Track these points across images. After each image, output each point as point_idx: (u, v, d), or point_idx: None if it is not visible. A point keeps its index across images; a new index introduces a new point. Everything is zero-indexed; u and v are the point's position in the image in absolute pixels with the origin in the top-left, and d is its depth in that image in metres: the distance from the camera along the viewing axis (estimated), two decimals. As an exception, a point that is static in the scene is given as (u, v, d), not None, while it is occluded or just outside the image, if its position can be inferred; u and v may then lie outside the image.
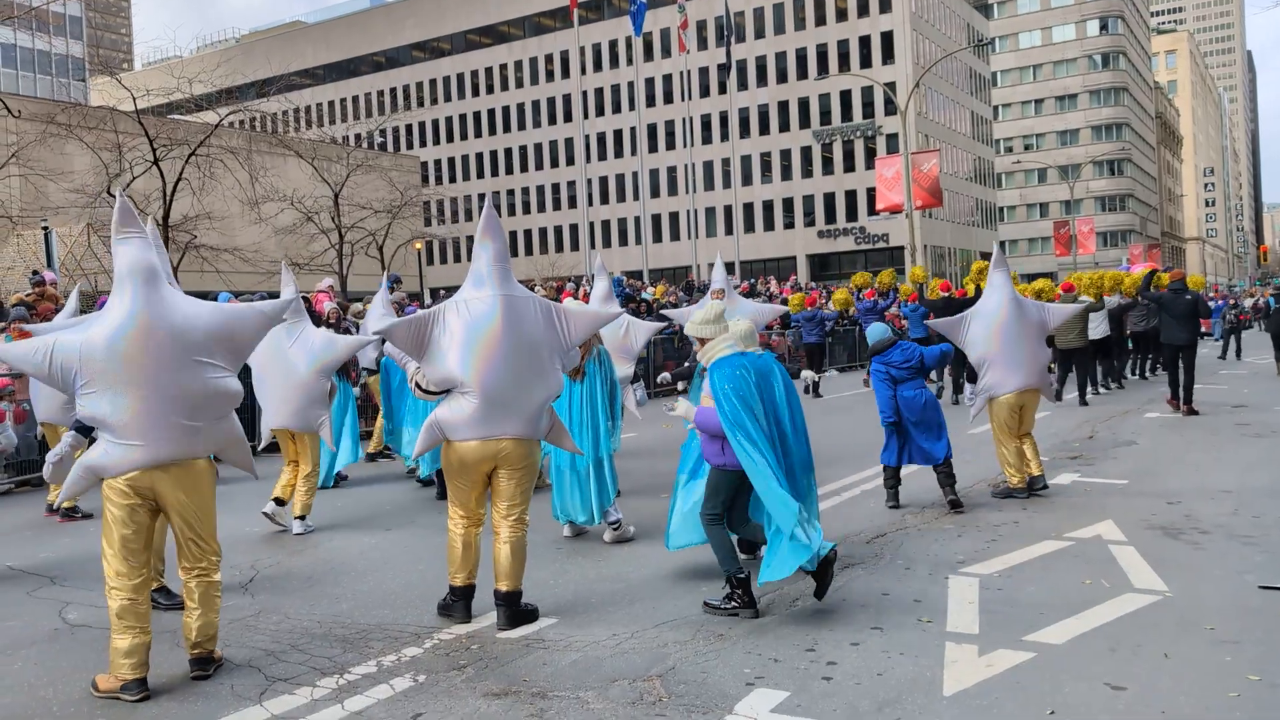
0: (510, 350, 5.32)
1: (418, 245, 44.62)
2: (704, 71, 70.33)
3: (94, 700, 4.53)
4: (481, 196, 79.34)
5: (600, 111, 74.88)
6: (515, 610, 5.45)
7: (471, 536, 5.55)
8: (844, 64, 67.14)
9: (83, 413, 4.63)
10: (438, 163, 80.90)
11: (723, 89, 67.09)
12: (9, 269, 26.49)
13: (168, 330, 4.61)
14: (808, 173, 70.26)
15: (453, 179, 79.91)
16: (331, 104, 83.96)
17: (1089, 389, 16.49)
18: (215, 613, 4.84)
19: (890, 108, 63.61)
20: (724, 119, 68.63)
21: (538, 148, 78.36)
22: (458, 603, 5.55)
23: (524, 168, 79.07)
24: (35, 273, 14.12)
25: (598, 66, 74.77)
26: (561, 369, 5.64)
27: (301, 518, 8.02)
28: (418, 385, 5.68)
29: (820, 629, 5.24)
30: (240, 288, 19.71)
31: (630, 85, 70.74)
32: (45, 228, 23.63)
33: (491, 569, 5.55)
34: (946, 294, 17.24)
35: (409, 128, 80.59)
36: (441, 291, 34.49)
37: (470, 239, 77.36)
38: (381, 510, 9.06)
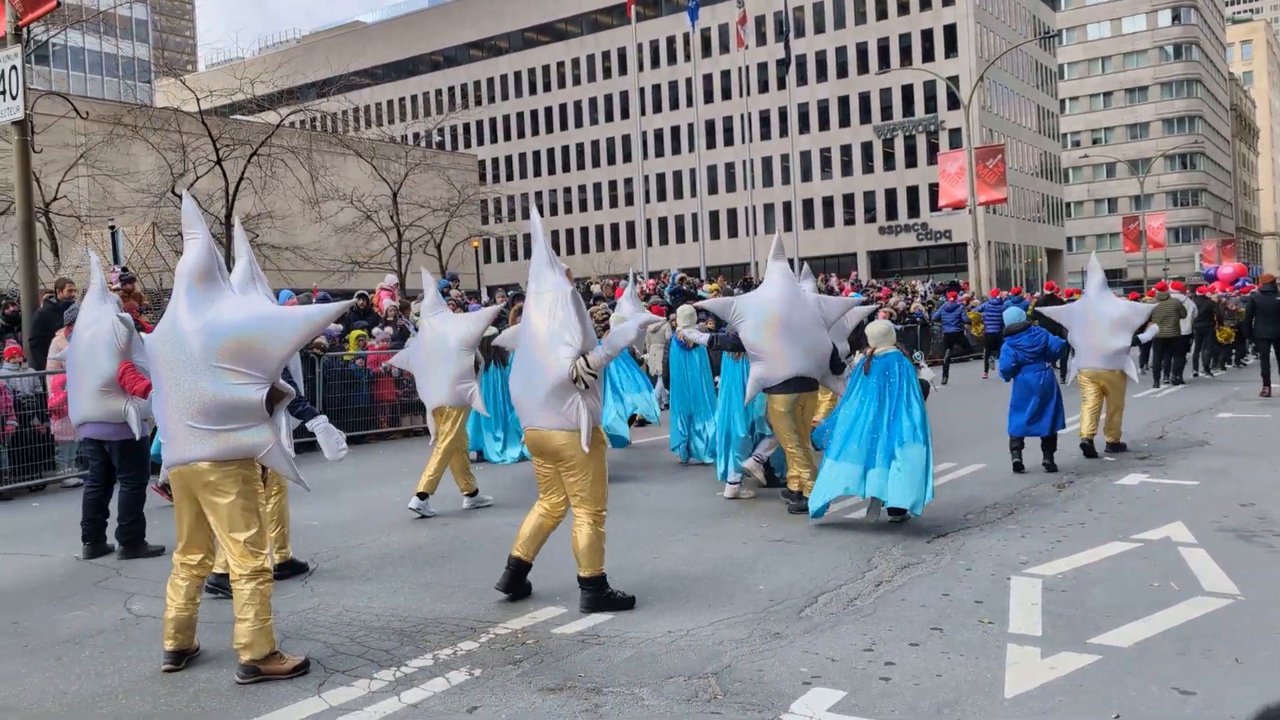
0: (527, 343, 5.71)
1: (475, 243, 45.01)
2: (763, 67, 69.97)
3: (157, 688, 4.65)
4: (539, 194, 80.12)
5: (658, 108, 74.89)
6: (593, 595, 5.65)
7: (538, 519, 5.88)
8: (905, 58, 66.37)
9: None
10: (495, 161, 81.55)
11: (782, 84, 66.71)
12: (77, 267, 27.21)
13: (194, 334, 4.66)
14: (868, 168, 69.59)
15: (510, 177, 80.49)
16: (390, 103, 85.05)
17: (1182, 373, 19.20)
18: (247, 616, 4.73)
19: (953, 102, 62.75)
20: (783, 114, 68.25)
21: (595, 145, 78.61)
22: (506, 570, 5.93)
23: (581, 165, 79.38)
24: (124, 269, 14.50)
25: (655, 63, 74.79)
26: (573, 349, 5.51)
27: (423, 495, 8.50)
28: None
29: (878, 628, 5.20)
30: (301, 286, 20.06)
31: (688, 82, 70.64)
32: (112, 227, 24.26)
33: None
34: (1050, 292, 21.47)
35: (466, 126, 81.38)
36: (499, 289, 34.75)
37: (527, 237, 77.74)
38: (451, 499, 9.15)
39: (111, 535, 7.47)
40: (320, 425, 5.89)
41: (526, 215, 72.46)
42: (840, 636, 5.10)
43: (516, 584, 5.91)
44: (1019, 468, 9.82)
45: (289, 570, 6.54)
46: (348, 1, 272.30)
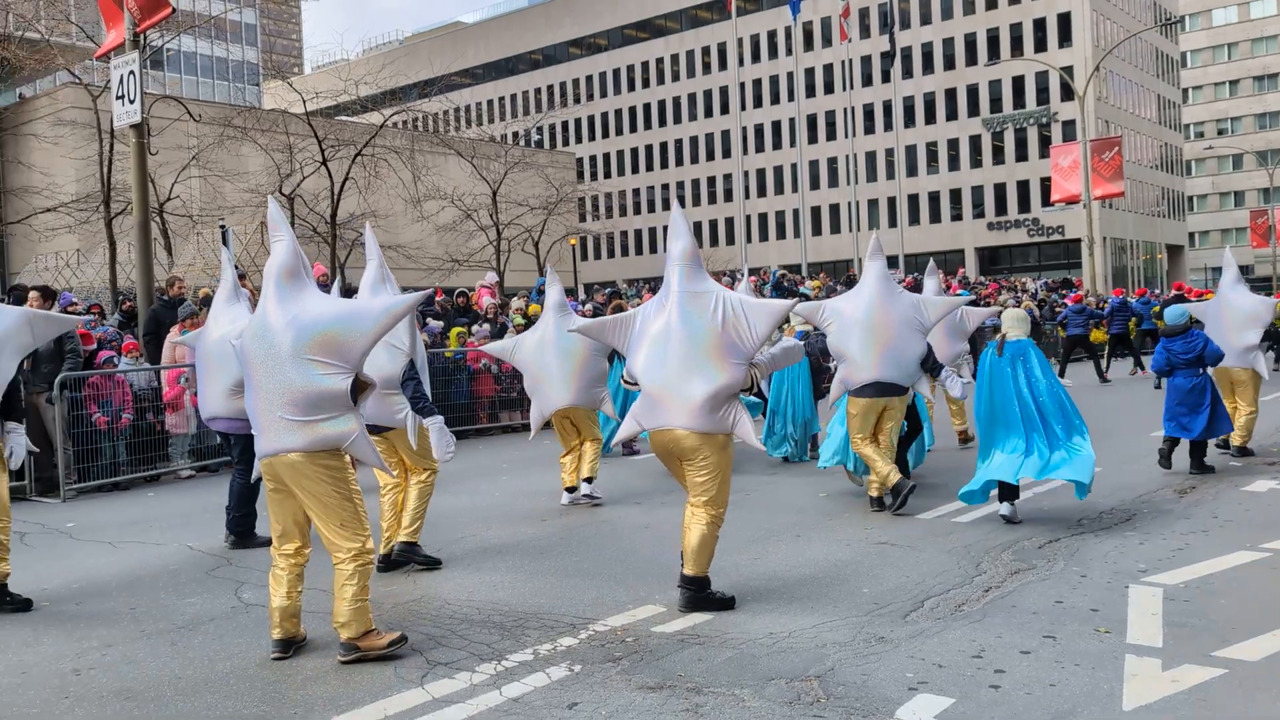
0: (674, 346, 5.60)
1: (573, 241, 45.50)
2: (866, 60, 69.01)
3: (267, 674, 4.81)
4: (636, 191, 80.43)
5: (758, 103, 74.49)
6: (692, 594, 5.62)
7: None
8: (1016, 48, 64.67)
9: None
10: (593, 158, 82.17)
11: (886, 77, 65.65)
12: (189, 265, 28.34)
13: (282, 328, 4.89)
14: (977, 162, 68.03)
15: (608, 174, 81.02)
16: (490, 102, 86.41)
17: None
18: (345, 596, 4.94)
19: (1067, 93, 60.84)
20: (887, 108, 67.16)
21: (694, 141, 78.58)
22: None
23: (679, 161, 79.44)
24: (238, 267, 15.04)
25: (755, 58, 74.40)
26: (743, 363, 5.61)
27: (589, 480, 8.90)
28: (623, 378, 6.16)
29: (987, 635, 5.09)
30: (403, 284, 20.51)
31: (789, 76, 70.04)
32: (222, 226, 25.14)
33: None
34: (1179, 292, 20.98)
35: (565, 124, 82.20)
36: (596, 287, 35.00)
37: (625, 234, 78.33)
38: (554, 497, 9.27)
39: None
40: (436, 425, 6.17)
41: (624, 213, 72.83)
42: (947, 642, 5.00)
43: (700, 603, 5.68)
44: (1165, 465, 9.64)
45: (410, 555, 6.87)
46: (450, 1, 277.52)
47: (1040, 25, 65.05)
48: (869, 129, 69.51)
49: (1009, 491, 7.72)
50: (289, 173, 31.16)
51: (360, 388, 5.01)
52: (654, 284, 44.07)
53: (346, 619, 4.92)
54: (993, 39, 66.46)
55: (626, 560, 6.88)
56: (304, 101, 30.72)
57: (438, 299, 17.50)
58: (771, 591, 6.00)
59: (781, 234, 73.61)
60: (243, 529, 7.64)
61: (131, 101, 13.44)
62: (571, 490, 9.00)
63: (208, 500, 9.75)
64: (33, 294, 10.68)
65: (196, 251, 30.06)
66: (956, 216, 68.83)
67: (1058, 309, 25.09)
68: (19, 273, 34.03)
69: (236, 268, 16.85)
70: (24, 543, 8.07)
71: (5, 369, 5.98)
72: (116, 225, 26.69)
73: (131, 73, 13.46)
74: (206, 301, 12.71)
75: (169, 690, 4.64)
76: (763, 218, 74.67)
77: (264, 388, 4.92)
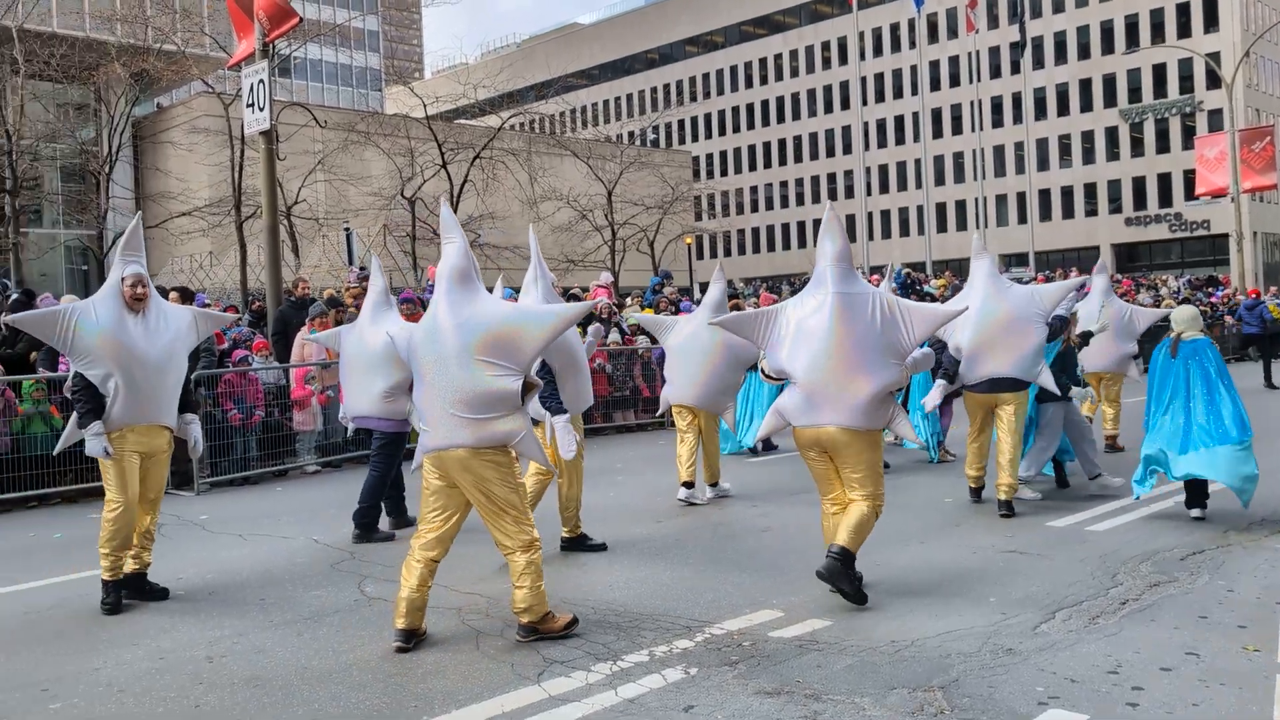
0: (835, 345, 5.71)
1: (688, 240, 45.55)
2: (994, 51, 67.19)
3: (389, 667, 4.96)
4: (754, 189, 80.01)
5: (880, 98, 73.31)
6: (837, 564, 5.68)
7: (834, 517, 5.98)
8: (1157, 34, 62.03)
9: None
10: (709, 157, 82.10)
11: (1015, 68, 63.85)
12: (315, 267, 29.42)
13: (453, 330, 5.11)
14: (1114, 155, 65.54)
15: (724, 173, 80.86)
16: (606, 103, 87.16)
17: None
18: (524, 584, 5.20)
19: (1213, 81, 58.11)
20: (1017, 100, 65.32)
21: (813, 137, 77.80)
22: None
23: (799, 158, 78.74)
24: (363, 268, 15.61)
25: (878, 51, 73.23)
26: (900, 363, 5.79)
27: (714, 484, 9.23)
28: (763, 371, 6.25)
29: (1124, 650, 4.90)
30: (519, 285, 20.84)
31: (913, 69, 68.73)
32: (347, 229, 26.08)
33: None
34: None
35: (681, 123, 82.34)
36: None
37: (741, 233, 78.00)
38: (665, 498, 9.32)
39: (412, 509, 8.15)
40: (561, 422, 6.48)
41: (741, 211, 72.62)
42: (1080, 656, 4.84)
43: (840, 575, 5.77)
44: None
45: (576, 545, 7.35)
46: (568, 2, 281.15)
47: (1184, 10, 62.32)
48: (997, 122, 67.68)
49: (1197, 495, 7.78)
50: (410, 176, 32.04)
51: (527, 388, 5.20)
52: (771, 283, 43.82)
53: (526, 605, 5.20)
54: (1131, 25, 63.93)
55: (743, 563, 6.86)
56: (424, 106, 31.55)
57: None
58: (894, 598, 5.91)
59: (905, 231, 72.23)
60: (367, 522, 7.92)
61: (261, 109, 14.02)
62: (689, 486, 9.09)
63: (332, 496, 10.11)
64: (172, 294, 11.24)
65: (322, 253, 31.19)
66: (1091, 212, 66.42)
67: (1202, 307, 24.18)
68: (156, 274, 35.75)
69: (362, 269, 17.39)
70: (160, 534, 8.45)
71: (184, 364, 6.36)
72: (246, 228, 27.89)
73: (261, 81, 14.03)
74: (332, 302, 13.17)
75: (296, 679, 4.83)
76: (885, 214, 73.42)
77: (435, 385, 5.14)
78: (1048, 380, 8.30)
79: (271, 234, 14.66)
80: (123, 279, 6.05)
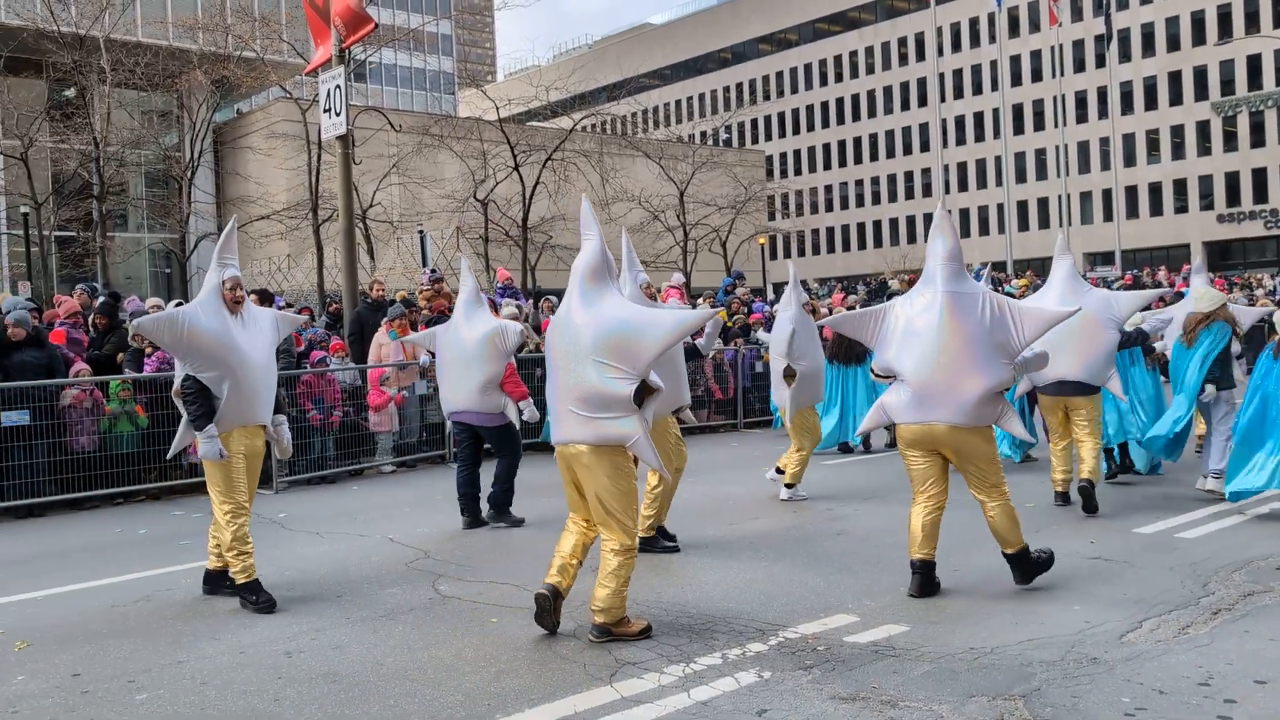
0: (945, 344, 5.83)
1: (761, 240, 45.33)
2: (1078, 44, 65.76)
3: (462, 665, 5.03)
4: (828, 188, 79.36)
5: (959, 94, 72.18)
6: (1022, 566, 6.01)
7: (926, 516, 6.05)
8: (1252, 24, 60.09)
9: None
10: (783, 156, 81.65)
11: (1100, 62, 62.45)
12: (390, 269, 29.91)
13: (577, 329, 5.31)
14: (1205, 150, 63.63)
15: (798, 171, 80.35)
16: (678, 103, 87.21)
17: None
18: (609, 585, 5.31)
19: (1312, 69, 56.12)
20: (1102, 95, 63.87)
21: (889, 135, 76.91)
22: (914, 576, 6.03)
23: (874, 156, 77.89)
24: (434, 270, 15.84)
25: (956, 47, 72.12)
26: (1010, 363, 5.89)
27: (790, 486, 9.32)
28: (872, 370, 6.36)
29: (1216, 661, 4.77)
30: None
31: (993, 64, 67.67)
32: (421, 231, 26.44)
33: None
34: None
35: (754, 122, 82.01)
36: (786, 286, 34.74)
37: (815, 232, 77.39)
38: (748, 502, 9.30)
39: (486, 507, 8.53)
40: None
41: (815, 210, 72.00)
42: (1169, 667, 4.72)
43: (929, 586, 6.01)
44: None
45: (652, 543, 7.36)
46: (640, 3, 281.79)
47: (1280, -2, 60.34)
48: (1081, 117, 66.17)
49: None
50: (483, 178, 32.41)
51: (646, 392, 5.30)
52: (846, 283, 43.41)
53: (605, 605, 5.30)
54: (1224, 16, 62.01)
55: (818, 566, 6.81)
56: (497, 109, 31.90)
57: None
58: (972, 604, 5.82)
59: (985, 230, 70.98)
60: (501, 503, 8.44)
61: (338, 114, 14.31)
62: (781, 473, 9.44)
63: (408, 495, 10.28)
64: (251, 296, 11.49)
65: (396, 255, 31.68)
66: (1181, 209, 64.59)
67: None
68: (237, 278, 36.62)
69: (434, 270, 17.68)
70: (241, 532, 8.73)
71: (274, 365, 6.52)
72: (323, 231, 28.49)
73: (338, 86, 14.32)
74: (406, 304, 13.39)
75: (372, 676, 4.92)
76: (964, 213, 72.22)
77: (561, 381, 5.37)
78: (1116, 387, 8.33)
79: (348, 237, 14.95)
80: (223, 282, 6.17)
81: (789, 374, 9.23)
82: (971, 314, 5.82)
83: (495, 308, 14.46)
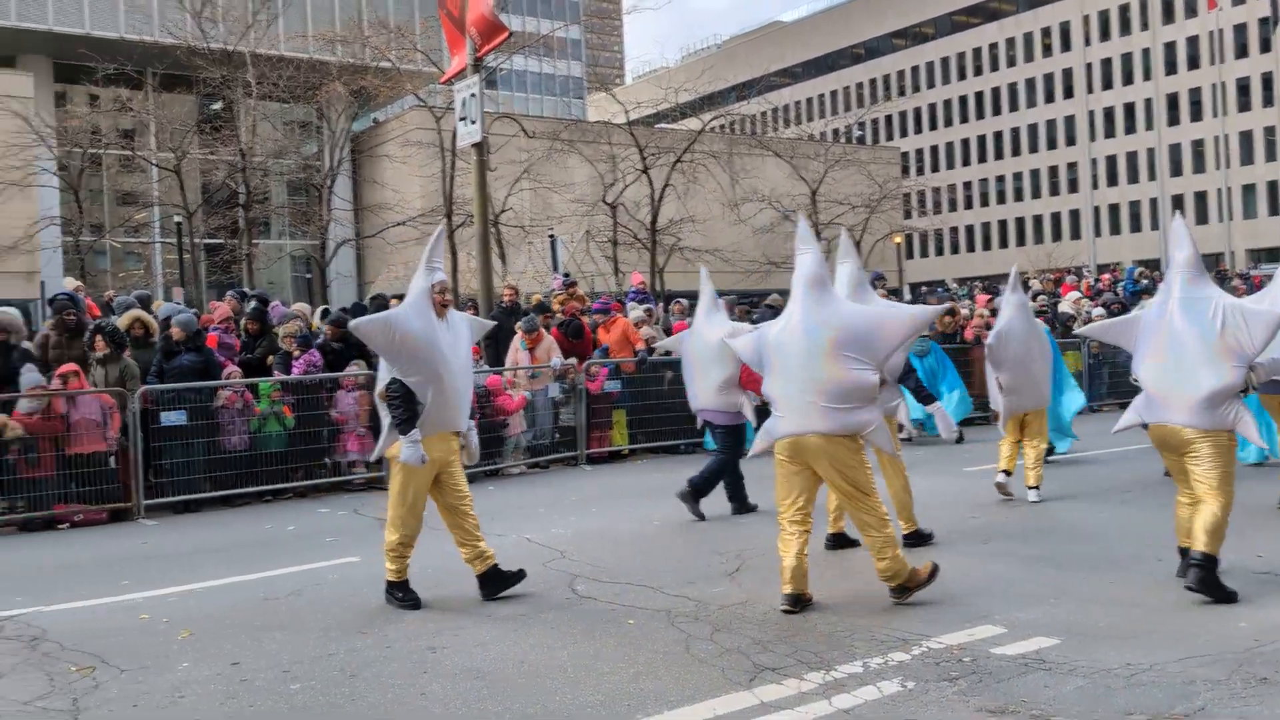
0: (1176, 346, 6.06)
1: (897, 239, 44.59)
2: (1240, 29, 62.68)
3: (600, 666, 5.12)
4: (966, 185, 77.47)
5: (1108, 84, 69.58)
6: (1204, 573, 5.85)
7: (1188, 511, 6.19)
8: None
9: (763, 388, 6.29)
10: (919, 152, 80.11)
11: (1266, 47, 59.33)
12: (521, 273, 30.53)
13: (812, 329, 5.92)
14: (1385, 137, 59.89)
15: (935, 168, 78.73)
16: (809, 101, 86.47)
17: None
18: (885, 555, 5.91)
19: None
20: (1266, 81, 60.70)
21: (1032, 129, 74.66)
22: (1192, 569, 5.99)
23: (1015, 151, 75.73)
24: (567, 274, 16.16)
25: (1104, 35, 69.56)
26: (1241, 366, 5.99)
27: (1035, 488, 9.36)
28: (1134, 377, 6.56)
29: (1403, 686, 4.50)
30: (720, 288, 21.03)
31: (1145, 52, 65.09)
32: (552, 235, 26.92)
33: None
34: None
35: (888, 119, 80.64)
36: (923, 288, 33.99)
37: (954, 230, 75.59)
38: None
39: (751, 496, 9.11)
40: (938, 408, 7.59)
41: (953, 208, 70.03)
42: (1350, 689, 4.48)
43: (1210, 586, 5.92)
44: None
45: (916, 540, 7.53)
46: (769, 1, 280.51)
47: None
48: (1244, 106, 63.01)
49: None
50: (612, 182, 32.77)
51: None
52: (988, 283, 42.27)
53: (891, 573, 5.95)
54: (1406, -9, 58.24)
55: (965, 578, 6.66)
56: (626, 112, 32.22)
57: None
58: (1128, 618, 5.63)
59: (1136, 226, 68.17)
60: (699, 492, 8.90)
61: (473, 122, 14.71)
62: (1007, 474, 9.44)
63: (542, 495, 10.49)
64: (394, 301, 11.94)
65: (528, 260, 32.32)
66: (1356, 201, 60.87)
67: None
68: (373, 281, 38.05)
69: (567, 275, 17.94)
70: (383, 530, 9.04)
71: (471, 370, 6.79)
72: (456, 237, 29.27)
73: (473, 95, 14.72)
74: (540, 308, 13.67)
75: (514, 673, 5.06)
76: (1113, 209, 69.54)
77: (796, 378, 5.94)
78: None
79: (484, 243, 15.35)
80: (432, 285, 6.34)
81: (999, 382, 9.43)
82: (1201, 318, 6.02)
83: (622, 310, 14.69)
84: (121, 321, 10.99)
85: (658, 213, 32.08)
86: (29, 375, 9.73)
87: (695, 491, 8.89)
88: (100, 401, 9.89)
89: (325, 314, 13.33)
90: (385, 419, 6.35)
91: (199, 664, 5.35)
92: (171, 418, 10.10)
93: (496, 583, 6.49)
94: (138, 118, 33.91)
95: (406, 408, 6.13)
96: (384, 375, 6.32)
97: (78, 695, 4.93)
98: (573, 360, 12.82)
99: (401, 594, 6.35)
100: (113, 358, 10.23)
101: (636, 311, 14.14)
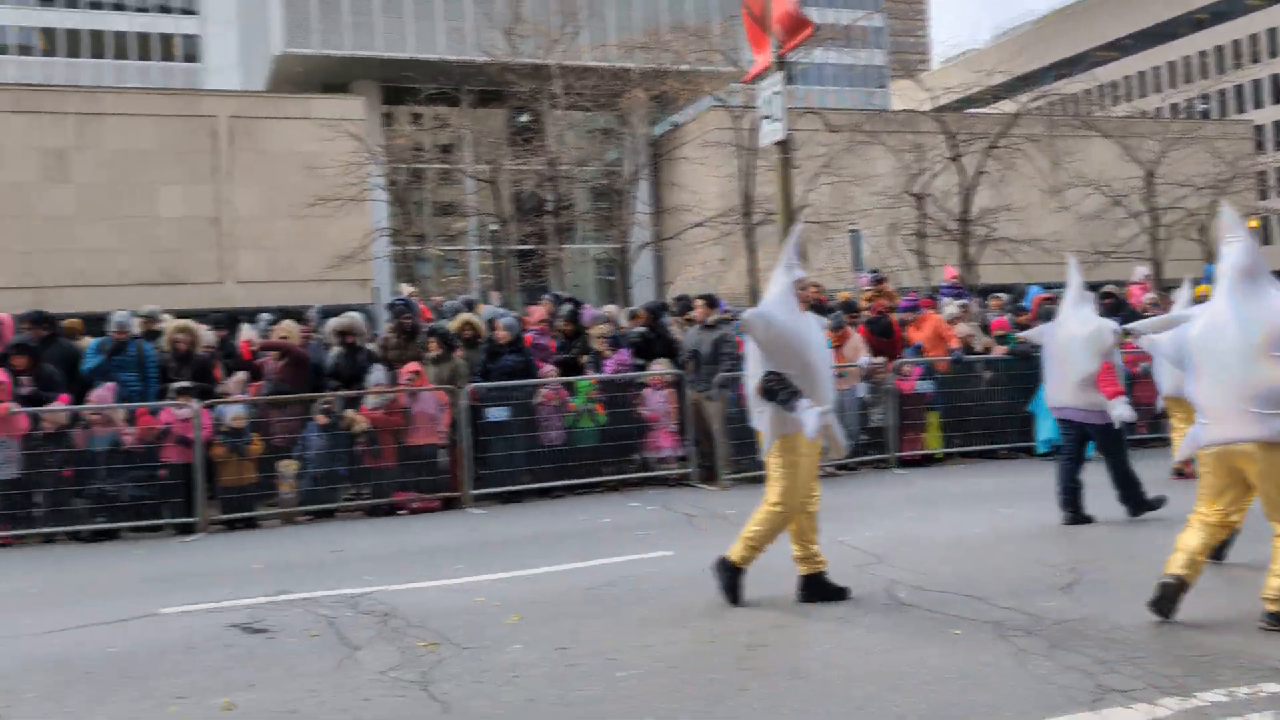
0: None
1: (1253, 223, 40.61)
2: None
3: (925, 672, 5.01)
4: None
5: None
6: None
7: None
8: None
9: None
10: (1277, 124, 72.51)
11: None
12: (821, 269, 30.37)
13: (1241, 326, 5.49)
14: None
15: (1294, 143, 71.00)
16: (1142, 74, 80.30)
17: None
18: (1277, 572, 5.46)
19: None
20: None
21: None
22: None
23: (1394, 120, 67.00)
24: (874, 271, 15.96)
25: None
26: None
27: None
28: None
29: None
30: (1041, 279, 19.95)
31: None
32: (853, 230, 26.63)
33: None
34: None
35: (1239, 88, 73.45)
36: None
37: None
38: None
39: (1087, 506, 8.69)
40: None
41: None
42: None
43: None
44: None
45: None
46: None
47: None
48: None
49: None
50: (918, 172, 31.96)
51: None
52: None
53: (1275, 595, 5.47)
54: None
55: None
56: (933, 99, 31.31)
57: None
58: None
59: None
60: (1133, 501, 8.66)
61: (777, 120, 14.74)
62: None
63: (851, 498, 10.33)
64: (698, 301, 12.24)
65: (828, 256, 32.13)
66: None
67: None
68: (673, 281, 39.08)
69: (875, 271, 17.68)
70: (693, 525, 9.33)
71: (830, 364, 6.94)
72: (754, 235, 29.56)
73: (776, 92, 14.75)
74: (847, 307, 13.53)
75: (834, 676, 5.05)
76: None
77: (1221, 380, 5.55)
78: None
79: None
80: (795, 282, 6.64)
81: None
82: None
83: (934, 305, 14.25)
84: (452, 324, 11.97)
85: (970, 202, 30.96)
86: (376, 374, 10.93)
87: (1134, 506, 8.65)
88: (435, 398, 10.88)
89: (632, 315, 13.84)
90: (762, 413, 6.50)
91: (529, 647, 5.71)
92: (496, 413, 10.97)
93: (818, 591, 6.48)
94: (455, 133, 36.63)
95: (789, 386, 6.30)
96: (754, 370, 6.54)
97: (425, 669, 5.40)
98: (881, 359, 12.60)
99: (731, 579, 6.46)
100: (444, 357, 11.24)
101: (951, 307, 13.70)
